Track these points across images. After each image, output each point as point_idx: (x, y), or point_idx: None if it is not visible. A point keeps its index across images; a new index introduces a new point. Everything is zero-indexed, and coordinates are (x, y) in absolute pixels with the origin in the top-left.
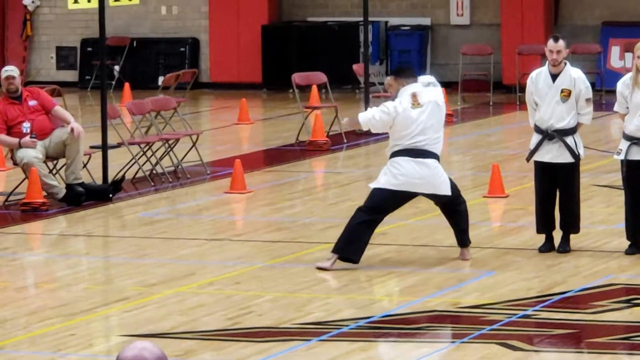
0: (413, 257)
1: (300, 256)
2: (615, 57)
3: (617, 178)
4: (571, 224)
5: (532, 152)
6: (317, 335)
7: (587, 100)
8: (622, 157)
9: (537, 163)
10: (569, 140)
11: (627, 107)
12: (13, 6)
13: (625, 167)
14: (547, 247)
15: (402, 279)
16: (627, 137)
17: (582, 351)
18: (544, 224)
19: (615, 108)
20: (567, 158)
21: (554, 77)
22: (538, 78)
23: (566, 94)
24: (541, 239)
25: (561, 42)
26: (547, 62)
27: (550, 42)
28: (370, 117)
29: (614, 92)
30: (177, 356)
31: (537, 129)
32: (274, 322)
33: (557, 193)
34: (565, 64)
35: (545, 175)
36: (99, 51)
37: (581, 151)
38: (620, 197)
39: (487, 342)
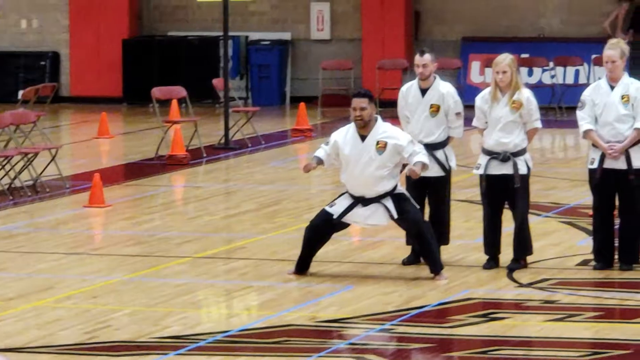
0: (271, 271)
1: (159, 270)
2: (475, 72)
3: (476, 193)
4: (442, 236)
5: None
6: (175, 349)
7: (457, 114)
8: (481, 171)
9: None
10: (439, 154)
11: (486, 122)
12: None
13: (485, 182)
14: (411, 258)
15: (261, 293)
16: (486, 152)
17: None
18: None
19: (474, 123)
20: (437, 171)
21: (423, 91)
22: (408, 92)
23: (435, 109)
24: (403, 252)
25: (427, 56)
26: (417, 77)
27: (417, 56)
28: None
29: (474, 107)
30: None
31: None
32: (131, 336)
33: (427, 205)
34: (435, 78)
35: (415, 186)
36: None
37: (452, 164)
38: (478, 211)
39: (344, 356)
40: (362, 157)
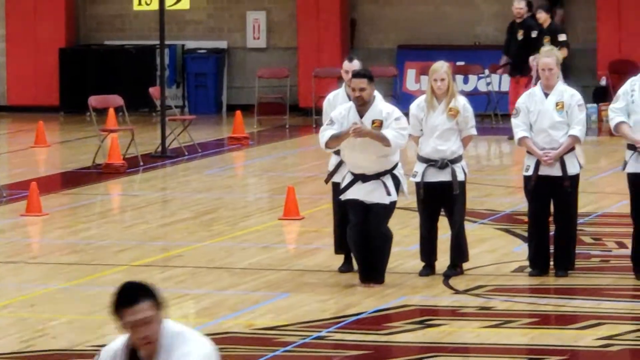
0: (208, 279)
1: (96, 278)
2: (411, 80)
3: (412, 200)
4: None
5: (332, 174)
6: None
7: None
8: (418, 179)
9: (334, 184)
10: None
11: (421, 130)
12: None
13: (423, 189)
14: (347, 267)
15: (197, 301)
16: (423, 160)
17: None
18: (342, 245)
19: (409, 130)
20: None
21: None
22: (335, 100)
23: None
24: (339, 260)
25: (356, 62)
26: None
27: (345, 62)
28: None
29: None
30: None
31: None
32: (68, 344)
33: None
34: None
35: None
36: None
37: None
38: (414, 219)
39: None
40: None
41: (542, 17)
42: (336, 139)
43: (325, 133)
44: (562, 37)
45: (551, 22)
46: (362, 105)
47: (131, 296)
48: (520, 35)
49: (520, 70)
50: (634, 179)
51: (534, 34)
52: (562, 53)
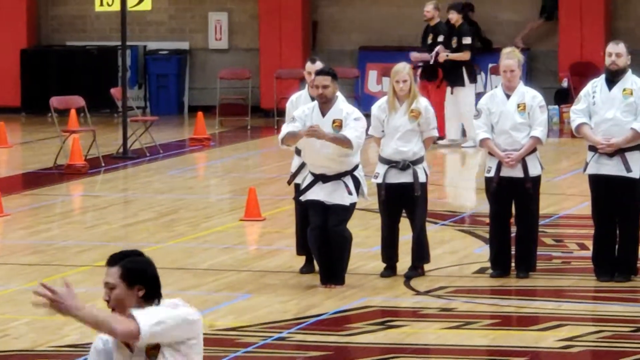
0: (169, 280)
1: (57, 279)
2: (372, 82)
3: (373, 201)
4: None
5: (294, 175)
6: (73, 358)
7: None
8: (379, 180)
9: (297, 185)
10: None
11: (383, 131)
12: None
13: (385, 190)
14: (308, 268)
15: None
16: (385, 161)
17: None
18: (304, 246)
19: (370, 132)
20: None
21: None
22: (298, 101)
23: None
24: (300, 261)
25: (319, 63)
26: (307, 85)
27: (308, 63)
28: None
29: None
30: None
31: (298, 151)
32: (29, 345)
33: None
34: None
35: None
36: None
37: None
38: (375, 220)
39: None
40: None
41: (454, 17)
42: (292, 137)
43: (284, 129)
44: (466, 40)
45: (462, 23)
46: (325, 103)
47: (112, 259)
48: (430, 39)
49: (428, 75)
50: (595, 181)
51: (440, 39)
52: (463, 55)
